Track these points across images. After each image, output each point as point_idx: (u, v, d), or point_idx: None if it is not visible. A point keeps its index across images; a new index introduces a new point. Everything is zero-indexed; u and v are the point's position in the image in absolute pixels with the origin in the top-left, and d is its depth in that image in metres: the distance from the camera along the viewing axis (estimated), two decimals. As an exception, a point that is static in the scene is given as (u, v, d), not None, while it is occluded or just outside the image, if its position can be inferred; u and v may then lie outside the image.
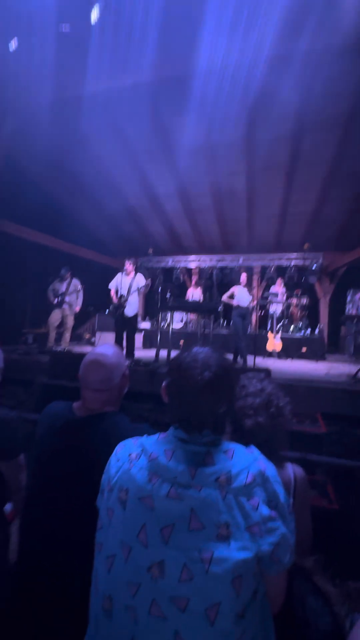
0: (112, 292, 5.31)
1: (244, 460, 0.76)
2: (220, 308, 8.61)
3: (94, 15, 3.78)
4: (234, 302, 5.92)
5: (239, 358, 5.69)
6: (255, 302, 5.91)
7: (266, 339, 7.22)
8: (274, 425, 1.00)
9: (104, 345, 1.16)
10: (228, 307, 6.23)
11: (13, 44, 4.21)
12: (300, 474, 1.07)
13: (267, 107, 5.41)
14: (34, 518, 1.04)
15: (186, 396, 0.78)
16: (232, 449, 0.78)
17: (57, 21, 3.97)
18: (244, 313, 5.90)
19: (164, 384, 0.85)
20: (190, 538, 0.69)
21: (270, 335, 7.27)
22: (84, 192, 7.93)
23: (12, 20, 4.00)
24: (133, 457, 0.81)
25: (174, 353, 5.82)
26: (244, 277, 5.98)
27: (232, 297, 5.95)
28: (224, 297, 6.08)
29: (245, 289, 5.88)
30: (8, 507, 1.44)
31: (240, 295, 5.87)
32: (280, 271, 9.15)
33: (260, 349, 6.83)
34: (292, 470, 1.07)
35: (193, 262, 10.01)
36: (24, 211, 6.64)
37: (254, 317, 8.69)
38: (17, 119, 5.59)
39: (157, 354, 5.17)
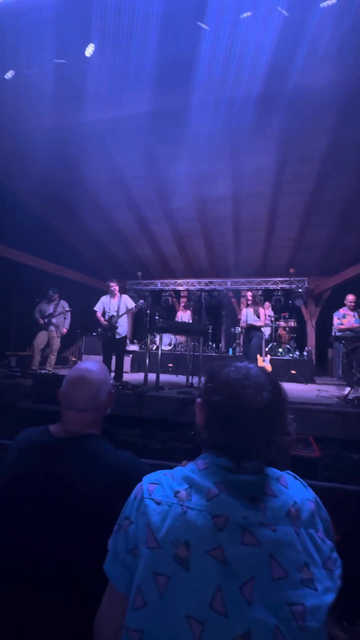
0: (99, 315, 5.23)
1: (298, 488, 0.67)
2: (210, 330, 8.62)
3: (89, 50, 3.98)
4: (242, 323, 5.95)
5: None
6: (263, 322, 5.74)
7: (256, 362, 7.18)
8: (280, 444, 0.92)
9: (89, 361, 1.08)
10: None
11: (9, 74, 4.36)
12: None
13: (252, 140, 5.73)
14: (2, 553, 0.90)
15: (238, 420, 0.64)
16: (282, 476, 0.68)
17: (55, 53, 4.16)
18: (247, 332, 5.84)
19: (199, 400, 0.73)
20: (276, 591, 0.55)
21: (259, 357, 7.26)
22: (74, 216, 8.03)
23: (11, 52, 4.17)
24: (183, 496, 0.63)
25: (162, 376, 5.70)
26: (249, 295, 5.91)
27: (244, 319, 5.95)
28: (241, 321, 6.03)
29: (250, 309, 5.81)
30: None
31: (246, 315, 5.86)
32: (268, 295, 9.32)
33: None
34: None
35: (181, 285, 10.10)
36: (11, 233, 6.62)
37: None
38: (11, 144, 5.71)
39: (145, 377, 5.04)
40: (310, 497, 0.66)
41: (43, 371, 5.76)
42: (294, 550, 0.58)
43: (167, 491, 0.65)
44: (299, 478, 0.71)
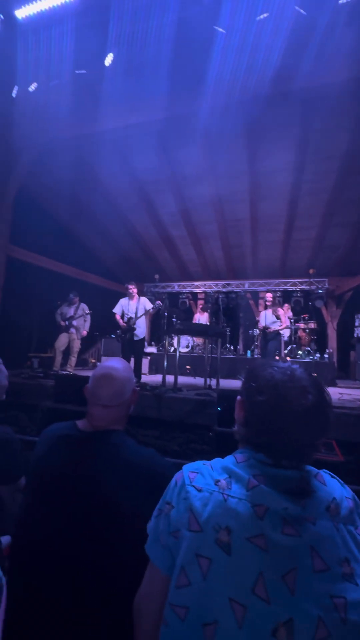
0: (118, 317, 5.31)
1: (336, 485, 0.67)
2: (227, 331, 8.56)
3: (108, 60, 4.09)
4: (260, 325, 5.88)
5: None
6: (284, 324, 5.65)
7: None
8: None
9: (113, 359, 1.12)
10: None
11: (33, 87, 4.54)
12: None
13: (270, 140, 5.69)
14: (29, 543, 0.93)
15: (283, 422, 0.65)
16: (320, 473, 0.69)
17: (74, 65, 4.30)
18: (265, 334, 5.77)
19: (239, 398, 0.74)
20: (318, 583, 0.56)
21: (277, 359, 7.13)
22: (93, 220, 8.22)
23: (34, 65, 4.35)
24: (223, 485, 0.65)
25: (180, 378, 5.72)
26: (269, 297, 5.83)
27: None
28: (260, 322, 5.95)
29: (269, 311, 5.74)
30: (5, 539, 1.33)
31: (264, 317, 5.78)
32: (287, 296, 9.16)
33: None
34: None
35: (199, 287, 10.10)
36: (34, 238, 6.85)
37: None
38: (34, 153, 5.93)
39: (163, 379, 5.07)
40: (349, 495, 0.67)
41: (64, 372, 5.90)
42: (334, 545, 0.59)
43: (207, 479, 0.67)
44: (336, 476, 0.71)
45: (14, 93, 4.71)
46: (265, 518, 0.60)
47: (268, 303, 5.72)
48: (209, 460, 0.73)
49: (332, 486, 0.67)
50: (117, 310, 5.36)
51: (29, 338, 8.30)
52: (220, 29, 3.85)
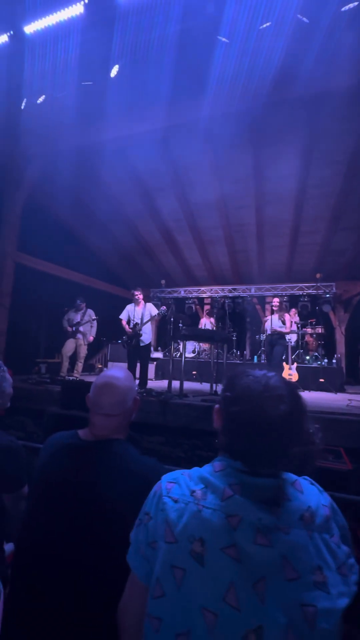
0: (124, 323, 5.34)
1: (313, 493, 0.68)
2: (234, 337, 8.52)
3: (114, 71, 4.17)
4: (266, 329, 5.78)
5: None
6: (288, 329, 5.52)
7: (282, 369, 7.01)
8: (304, 453, 0.90)
9: (115, 368, 1.12)
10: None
11: (41, 99, 4.66)
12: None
13: (275, 145, 5.70)
14: (31, 551, 0.94)
15: (257, 430, 0.65)
16: (298, 480, 0.69)
17: (80, 76, 4.40)
18: (272, 340, 5.65)
19: (218, 407, 0.75)
20: (288, 591, 0.57)
21: (285, 365, 7.07)
22: (99, 227, 8.33)
23: (40, 77, 4.46)
24: (199, 495, 0.66)
25: (186, 384, 5.70)
26: (275, 302, 5.68)
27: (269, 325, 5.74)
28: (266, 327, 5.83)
29: (276, 316, 5.60)
30: (9, 547, 1.34)
31: (271, 322, 5.66)
32: (293, 301, 9.10)
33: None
34: None
35: (205, 292, 10.11)
36: (41, 245, 6.96)
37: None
38: (41, 163, 6.05)
39: (169, 385, 5.06)
40: (326, 502, 0.66)
41: (71, 378, 5.94)
42: (307, 554, 0.60)
43: (183, 490, 0.68)
44: (315, 483, 0.71)
45: (23, 105, 4.83)
46: (239, 529, 0.61)
47: (275, 308, 5.62)
48: (189, 469, 0.73)
49: (309, 494, 0.67)
50: (123, 316, 5.39)
51: (37, 344, 8.39)
52: (224, 39, 3.90)
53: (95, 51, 4.15)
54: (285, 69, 4.19)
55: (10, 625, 0.88)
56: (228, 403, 0.71)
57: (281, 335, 5.48)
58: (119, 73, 4.31)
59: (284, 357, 5.99)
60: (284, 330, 5.45)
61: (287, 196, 6.72)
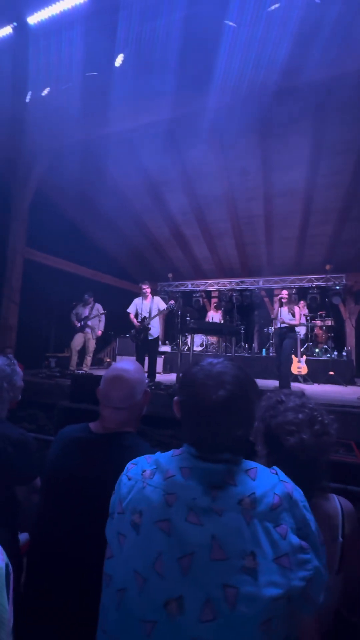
0: (132, 316, 5.34)
1: (268, 481, 0.68)
2: (242, 330, 8.47)
3: (119, 60, 4.10)
4: (275, 323, 5.61)
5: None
6: (298, 321, 5.30)
7: (291, 361, 6.94)
8: (319, 444, 0.87)
9: (125, 360, 1.11)
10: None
11: (45, 91, 4.62)
12: (349, 508, 0.91)
13: (283, 135, 5.57)
14: (43, 543, 0.96)
15: (200, 417, 0.70)
16: (255, 468, 0.70)
17: (84, 67, 4.33)
18: (280, 332, 5.50)
19: (175, 398, 0.78)
20: (212, 570, 0.60)
21: (294, 358, 7.00)
22: (107, 221, 8.30)
23: (44, 69, 4.42)
24: (147, 475, 0.72)
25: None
26: (284, 294, 5.47)
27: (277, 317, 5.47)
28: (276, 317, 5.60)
29: (285, 308, 5.35)
30: (23, 537, 1.36)
31: (279, 314, 5.41)
32: (302, 293, 8.97)
33: (285, 372, 6.55)
34: (339, 502, 0.91)
35: (212, 285, 10.04)
36: (50, 240, 6.98)
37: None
38: (48, 157, 6.03)
39: (177, 378, 5.07)
40: (280, 492, 0.66)
41: (80, 371, 6.00)
42: (240, 538, 0.61)
43: (138, 470, 0.75)
44: (281, 474, 0.71)
45: (28, 98, 4.80)
46: (174, 506, 0.65)
47: (284, 300, 5.46)
48: (156, 454, 0.79)
49: (262, 482, 0.67)
50: (131, 310, 5.39)
51: (47, 338, 8.48)
52: (231, 23, 3.79)
53: (100, 41, 4.08)
54: (294, 55, 4.05)
55: (23, 613, 0.90)
56: (178, 393, 0.77)
57: (290, 328, 5.36)
58: (124, 63, 4.23)
59: (293, 350, 5.91)
60: (293, 322, 5.34)
61: (296, 187, 6.58)
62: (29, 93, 4.75)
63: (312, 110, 5.08)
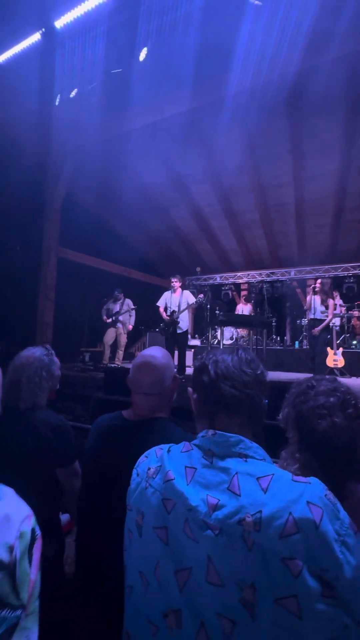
0: (161, 310, 5.40)
1: (284, 495, 0.53)
2: (273, 322, 8.26)
3: (142, 55, 4.10)
4: (308, 314, 5.36)
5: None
6: (331, 314, 5.01)
7: (326, 354, 6.66)
8: (352, 427, 0.82)
9: (153, 347, 1.13)
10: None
11: (73, 93, 4.74)
12: None
13: (314, 116, 5.29)
14: (87, 528, 1.02)
15: (205, 388, 0.70)
16: (270, 476, 0.56)
17: (109, 65, 4.38)
18: (313, 324, 5.22)
19: (189, 389, 0.77)
20: (208, 594, 0.52)
21: (329, 350, 6.72)
22: (134, 217, 8.42)
23: (71, 70, 4.52)
24: (151, 473, 0.68)
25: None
26: (317, 283, 5.21)
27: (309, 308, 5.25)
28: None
29: (317, 297, 5.12)
30: (65, 517, 1.44)
31: (312, 303, 5.18)
32: (337, 282, 8.55)
33: (320, 365, 6.31)
34: None
35: (241, 278, 9.86)
36: (80, 238, 7.22)
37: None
38: (77, 157, 6.21)
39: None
40: (298, 516, 0.51)
41: (112, 365, 6.18)
42: (238, 565, 0.51)
43: (146, 465, 0.71)
44: (317, 488, 0.56)
45: (57, 101, 4.96)
46: (171, 513, 0.60)
47: (317, 289, 5.12)
48: (168, 445, 0.74)
49: (274, 495, 0.54)
50: (160, 303, 5.45)
51: (81, 334, 8.81)
52: (256, 1, 3.63)
53: (123, 37, 4.10)
54: (321, 26, 3.80)
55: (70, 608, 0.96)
56: (192, 382, 0.76)
57: (323, 321, 5.10)
58: (148, 57, 4.23)
59: (328, 342, 5.66)
60: (324, 318, 5.03)
61: (329, 170, 6.24)
62: (58, 96, 4.90)
63: (344, 85, 4.75)
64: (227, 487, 0.57)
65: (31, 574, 0.42)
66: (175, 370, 1.13)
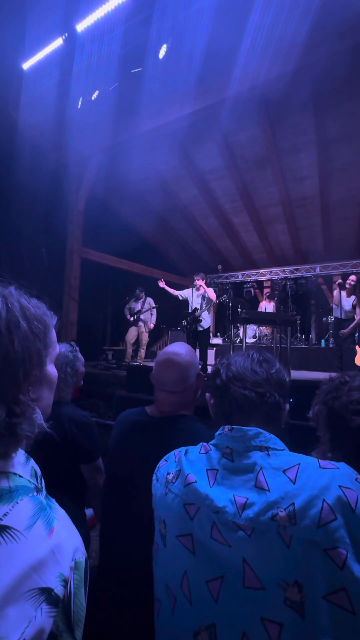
0: (176, 293, 5.36)
1: (315, 482, 0.52)
2: (297, 320, 8.03)
3: (162, 52, 4.09)
4: (335, 313, 5.17)
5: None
6: (358, 318, 4.76)
7: (354, 353, 6.40)
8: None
9: (176, 343, 1.11)
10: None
11: (95, 95, 4.81)
12: None
13: (339, 104, 5.07)
14: (111, 523, 1.01)
15: (221, 386, 0.68)
16: (296, 466, 0.55)
17: (128, 65, 4.40)
18: (340, 322, 5.02)
19: (207, 395, 0.76)
20: (248, 599, 0.49)
21: (358, 349, 6.44)
22: (155, 217, 8.45)
23: (92, 72, 4.58)
24: (170, 478, 0.64)
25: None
26: (351, 280, 4.94)
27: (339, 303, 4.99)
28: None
29: (344, 293, 4.91)
30: (89, 512, 1.45)
31: (339, 299, 4.99)
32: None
33: (348, 363, 6.07)
34: None
35: (264, 275, 9.66)
36: (101, 238, 7.34)
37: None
38: (99, 159, 6.31)
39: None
40: (332, 501, 0.48)
41: (135, 363, 6.24)
42: (279, 564, 0.48)
43: (165, 470, 0.68)
44: (346, 470, 0.54)
45: (79, 104, 5.05)
46: (195, 518, 0.56)
47: (348, 286, 4.83)
48: (188, 448, 0.71)
49: (304, 484, 0.52)
50: (181, 293, 5.43)
51: (104, 332, 8.99)
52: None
53: (141, 36, 4.11)
54: (338, 7, 3.61)
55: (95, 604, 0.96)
56: (209, 382, 0.74)
57: (352, 319, 4.88)
58: (166, 53, 4.21)
59: (357, 340, 5.42)
60: (353, 315, 4.80)
61: (357, 159, 5.97)
62: (80, 99, 4.99)
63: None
64: (254, 484, 0.54)
65: (84, 609, 0.38)
66: (200, 367, 1.10)
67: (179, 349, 1.07)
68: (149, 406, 1.10)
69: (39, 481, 0.45)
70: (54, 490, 0.49)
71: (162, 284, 5.41)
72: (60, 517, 0.41)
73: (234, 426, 0.62)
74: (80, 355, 1.45)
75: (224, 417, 0.67)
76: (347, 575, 0.45)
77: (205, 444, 0.67)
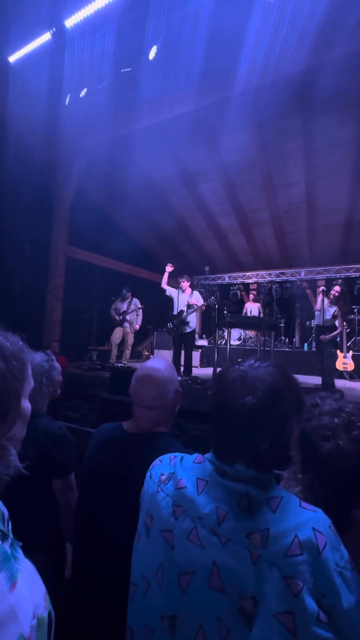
0: (165, 287, 5.32)
1: (292, 518, 0.56)
2: (281, 323, 8.15)
3: (152, 53, 4.06)
4: (316, 319, 5.16)
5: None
6: (340, 326, 4.82)
7: (335, 357, 6.54)
8: (358, 452, 0.78)
9: (156, 358, 1.10)
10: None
11: (83, 92, 4.73)
12: None
13: (326, 112, 5.17)
14: (83, 538, 1.00)
15: (222, 419, 0.64)
16: (279, 498, 0.59)
17: (118, 64, 4.35)
18: (318, 329, 5.05)
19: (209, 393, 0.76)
20: (210, 598, 0.55)
21: (339, 353, 6.59)
22: (142, 216, 8.39)
23: (80, 69, 4.51)
24: (163, 479, 0.71)
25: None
26: (335, 292, 4.98)
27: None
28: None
29: (326, 301, 4.95)
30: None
31: (321, 304, 4.97)
32: (349, 284, 8.37)
33: (329, 368, 6.19)
34: None
35: (250, 277, 9.76)
36: (87, 236, 7.23)
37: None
38: (86, 156, 6.21)
39: (214, 372, 5.02)
40: (304, 538, 0.53)
41: (119, 364, 6.19)
42: (243, 576, 0.53)
43: (158, 470, 0.74)
44: (322, 519, 0.57)
45: (67, 101, 4.95)
46: (179, 519, 0.62)
47: (332, 296, 4.86)
48: (182, 453, 0.76)
49: (282, 516, 0.56)
50: (168, 288, 5.34)
51: (89, 332, 8.87)
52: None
53: (132, 36, 4.07)
54: (332, 20, 3.68)
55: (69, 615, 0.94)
56: (209, 388, 0.74)
57: (332, 327, 4.93)
58: (156, 54, 4.18)
59: (337, 345, 5.55)
60: (335, 329, 4.84)
61: (342, 167, 6.10)
62: (68, 95, 4.89)
63: (358, 84, 4.63)
64: (238, 502, 0.59)
65: None
66: (182, 373, 1.09)
67: (158, 364, 1.06)
68: (126, 421, 1.09)
69: (5, 524, 0.43)
70: (26, 507, 0.47)
71: (169, 268, 5.35)
72: (24, 569, 0.39)
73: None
74: (56, 364, 1.42)
75: (214, 442, 0.69)
76: (298, 603, 0.49)
77: (200, 455, 0.71)
